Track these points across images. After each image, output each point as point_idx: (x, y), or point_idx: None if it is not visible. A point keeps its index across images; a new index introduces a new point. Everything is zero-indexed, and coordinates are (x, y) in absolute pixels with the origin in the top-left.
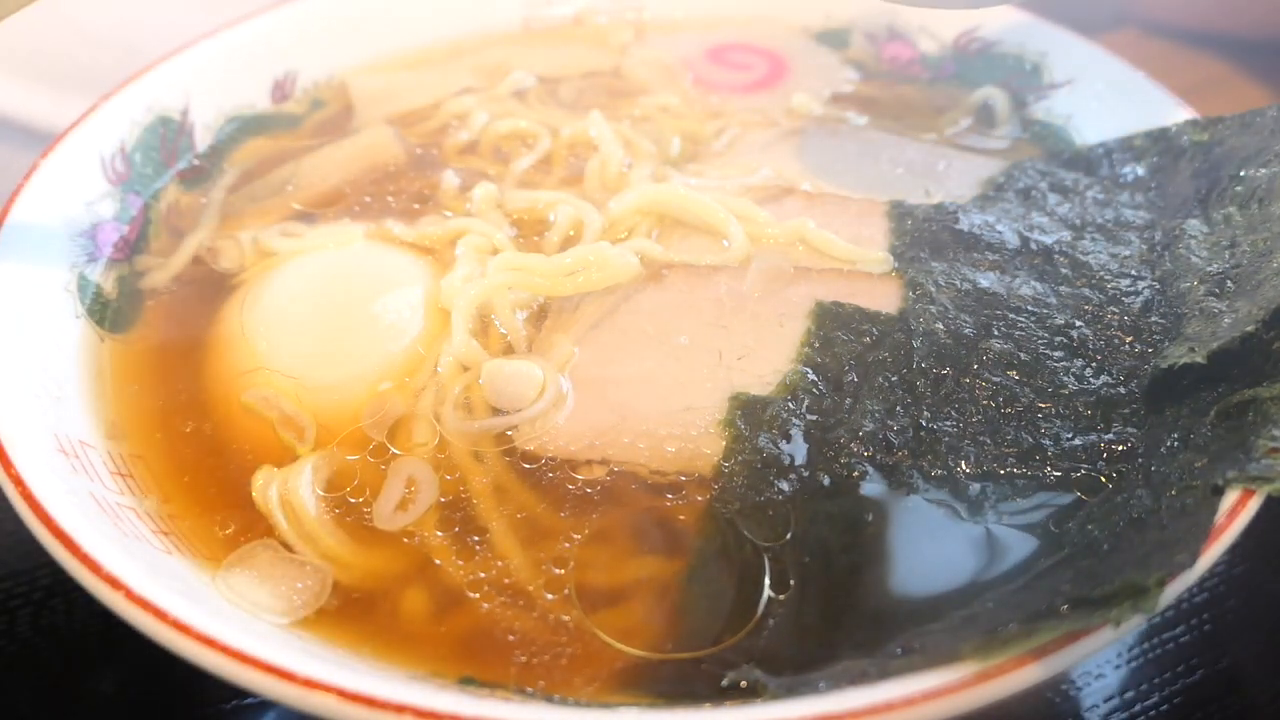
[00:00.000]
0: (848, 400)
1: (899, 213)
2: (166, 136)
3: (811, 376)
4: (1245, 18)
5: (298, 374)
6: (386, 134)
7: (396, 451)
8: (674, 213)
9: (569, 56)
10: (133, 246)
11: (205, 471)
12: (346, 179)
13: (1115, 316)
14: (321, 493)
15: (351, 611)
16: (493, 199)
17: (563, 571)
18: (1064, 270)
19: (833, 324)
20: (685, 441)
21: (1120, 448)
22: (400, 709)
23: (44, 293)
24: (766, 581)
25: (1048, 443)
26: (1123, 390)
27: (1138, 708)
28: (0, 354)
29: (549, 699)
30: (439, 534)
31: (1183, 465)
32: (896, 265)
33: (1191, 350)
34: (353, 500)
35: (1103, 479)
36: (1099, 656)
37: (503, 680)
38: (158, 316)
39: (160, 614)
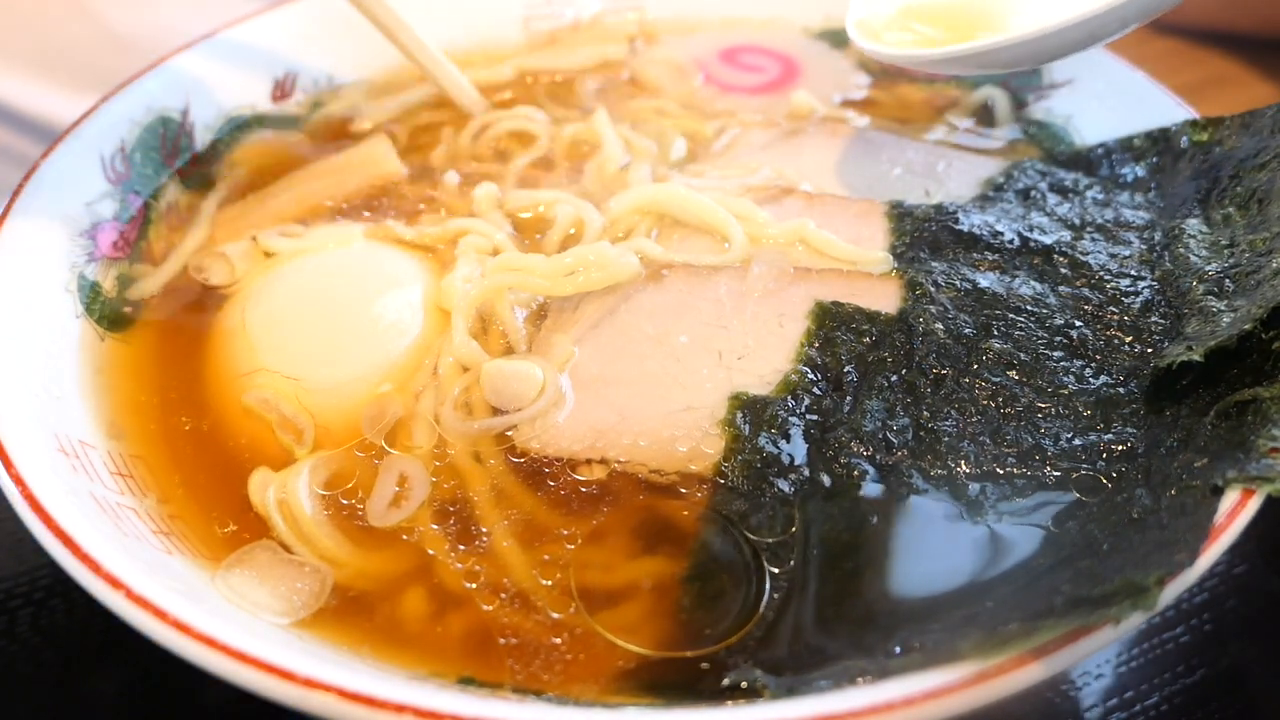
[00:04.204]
0: (848, 400)
1: (899, 213)
2: (166, 136)
3: (811, 376)
4: (1252, 15)
5: (298, 375)
6: (383, 147)
7: (394, 453)
8: (674, 213)
9: (576, 56)
10: (133, 246)
11: (205, 472)
12: (342, 196)
13: (1115, 316)
14: (321, 491)
15: (351, 611)
16: (494, 199)
17: (562, 572)
18: (1064, 270)
19: (833, 324)
20: (685, 441)
21: (1120, 448)
22: (400, 709)
23: (44, 293)
24: (766, 581)
25: (1047, 443)
26: (1123, 390)
27: (1138, 708)
28: (0, 354)
29: (549, 699)
30: (439, 535)
31: (1183, 465)
32: (896, 265)
33: (1190, 349)
34: (349, 502)
35: (1103, 479)
36: (1099, 656)
37: (502, 680)
38: (158, 316)
39: (160, 614)
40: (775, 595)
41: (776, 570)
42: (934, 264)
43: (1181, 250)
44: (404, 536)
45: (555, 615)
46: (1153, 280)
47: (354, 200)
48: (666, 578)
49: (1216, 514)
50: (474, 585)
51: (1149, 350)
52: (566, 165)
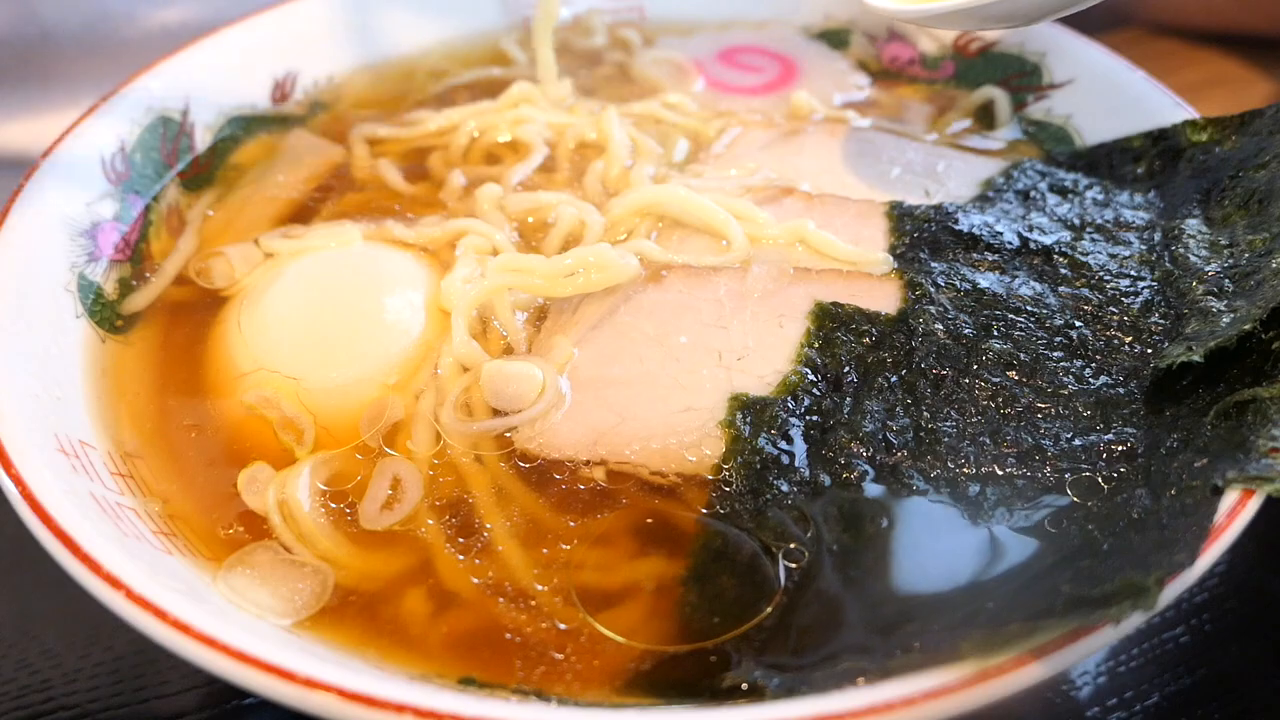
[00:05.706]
0: (848, 400)
1: (899, 213)
2: (166, 136)
3: (811, 377)
4: (1262, 14)
5: (298, 375)
6: (300, 135)
7: (393, 454)
8: (674, 213)
9: (574, 57)
10: (134, 248)
11: (205, 472)
12: (296, 190)
13: (1115, 316)
14: (324, 487)
15: (352, 612)
16: (496, 199)
17: (563, 572)
18: (1063, 270)
19: (833, 324)
20: (685, 442)
21: (1120, 448)
22: (400, 709)
23: (44, 293)
24: (765, 582)
25: (1047, 443)
26: (1123, 390)
27: (1138, 708)
28: (0, 354)
29: (549, 699)
30: (439, 535)
31: (1183, 465)
32: (896, 266)
33: (1189, 349)
34: (340, 504)
35: (1102, 479)
36: (1099, 656)
37: (503, 681)
38: (159, 318)
39: (160, 614)
40: (774, 596)
41: (775, 571)
42: (934, 264)
43: (1181, 250)
44: (405, 539)
45: (555, 616)
46: (1153, 280)
47: (310, 190)
48: (666, 579)
49: (1216, 514)
50: (475, 586)
51: (1149, 350)
52: (569, 168)
